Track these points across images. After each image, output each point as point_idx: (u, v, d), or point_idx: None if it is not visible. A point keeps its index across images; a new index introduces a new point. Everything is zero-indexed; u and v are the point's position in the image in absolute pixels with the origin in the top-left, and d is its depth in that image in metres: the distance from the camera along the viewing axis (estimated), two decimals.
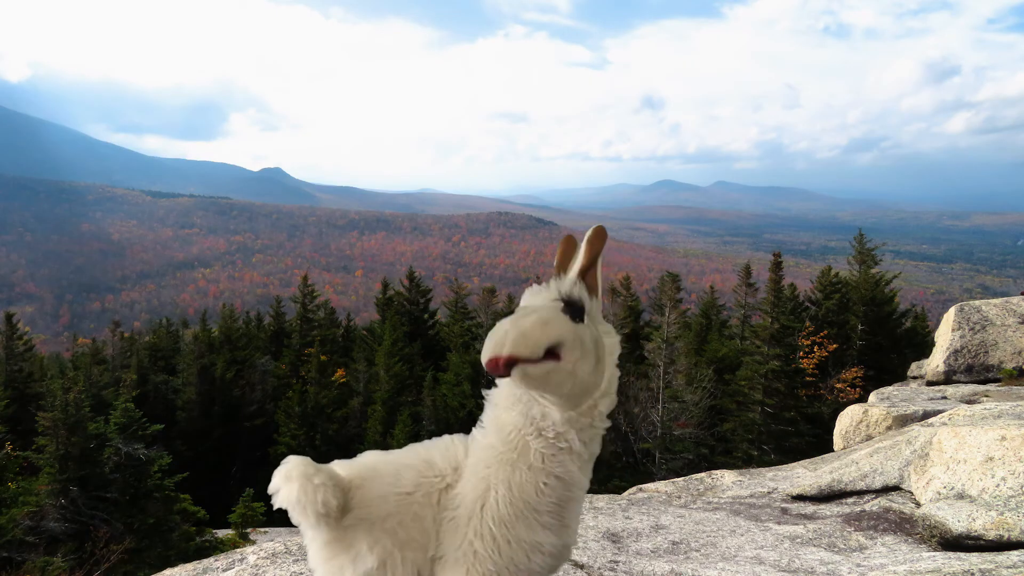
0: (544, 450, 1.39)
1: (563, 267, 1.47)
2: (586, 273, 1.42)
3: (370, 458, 1.52)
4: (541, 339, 1.25)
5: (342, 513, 1.41)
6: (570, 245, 1.49)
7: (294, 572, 2.75)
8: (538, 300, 1.39)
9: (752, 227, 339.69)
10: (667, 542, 3.35)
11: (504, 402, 1.45)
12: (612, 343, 1.40)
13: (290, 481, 1.38)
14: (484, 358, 1.25)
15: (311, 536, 1.46)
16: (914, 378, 8.42)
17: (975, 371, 7.16)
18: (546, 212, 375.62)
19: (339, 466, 1.48)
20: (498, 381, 1.48)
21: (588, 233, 1.41)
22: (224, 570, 2.92)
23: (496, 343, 1.24)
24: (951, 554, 2.86)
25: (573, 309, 1.35)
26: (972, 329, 7.33)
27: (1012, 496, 3.08)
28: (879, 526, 3.48)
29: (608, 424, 1.44)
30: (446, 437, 1.57)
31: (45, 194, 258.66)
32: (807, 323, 23.32)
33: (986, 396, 6.02)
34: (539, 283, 1.44)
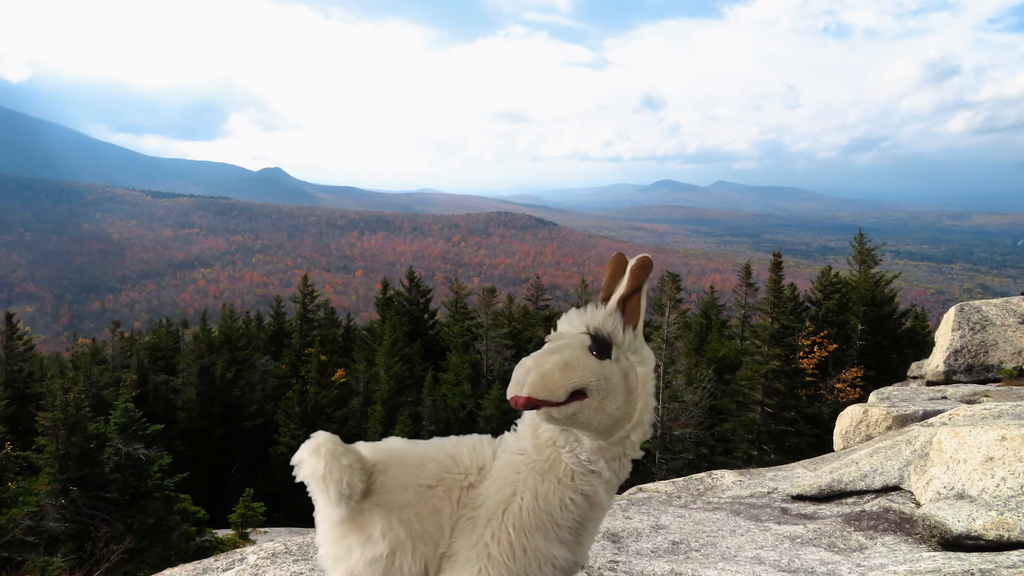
0: (576, 468, 1.42)
1: (610, 288, 1.43)
2: (628, 300, 1.40)
3: (396, 444, 1.54)
4: (560, 383, 1.28)
5: (364, 496, 1.42)
6: (619, 266, 1.43)
7: (294, 572, 2.75)
8: (571, 328, 1.40)
9: (752, 227, 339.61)
10: (667, 542, 3.35)
11: None
12: (645, 373, 1.40)
13: (317, 456, 1.39)
14: (508, 394, 1.29)
15: (325, 514, 1.47)
16: (914, 378, 8.42)
17: (975, 371, 7.15)
18: (546, 212, 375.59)
19: (364, 448, 1.50)
20: None
21: (633, 262, 1.39)
22: (224, 570, 2.92)
23: (517, 382, 1.28)
24: (951, 554, 2.86)
25: (600, 345, 1.35)
26: (972, 329, 7.33)
27: (1012, 496, 3.08)
28: (879, 526, 3.47)
29: (640, 454, 1.45)
30: (475, 436, 1.58)
31: (45, 194, 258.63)
32: (807, 323, 23.29)
33: (986, 396, 6.02)
34: (578, 307, 1.44)
